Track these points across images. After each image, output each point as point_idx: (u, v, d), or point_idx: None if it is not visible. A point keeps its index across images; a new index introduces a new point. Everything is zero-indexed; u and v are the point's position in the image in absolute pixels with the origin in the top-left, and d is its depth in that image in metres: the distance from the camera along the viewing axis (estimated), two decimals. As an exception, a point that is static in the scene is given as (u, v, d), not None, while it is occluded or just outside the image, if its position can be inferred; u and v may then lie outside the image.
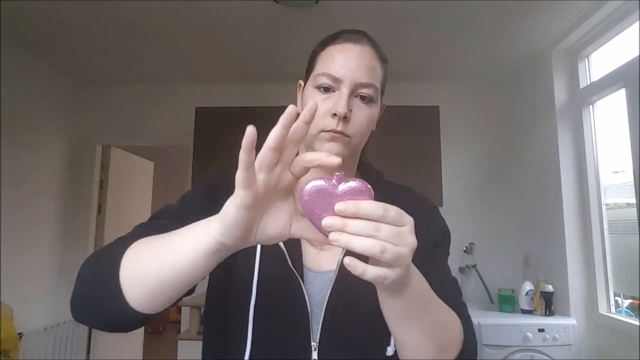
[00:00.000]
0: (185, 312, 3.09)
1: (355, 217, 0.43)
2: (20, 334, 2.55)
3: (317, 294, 0.67)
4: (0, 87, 2.53)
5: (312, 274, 0.69)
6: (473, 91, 3.31)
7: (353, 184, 0.45)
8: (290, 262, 0.67)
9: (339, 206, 0.44)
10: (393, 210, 0.44)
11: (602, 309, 2.30)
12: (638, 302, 2.13)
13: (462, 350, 0.61)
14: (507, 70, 3.08)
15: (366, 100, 0.68)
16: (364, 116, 0.68)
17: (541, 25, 2.41)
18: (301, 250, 0.69)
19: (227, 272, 0.69)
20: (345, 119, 0.66)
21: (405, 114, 2.93)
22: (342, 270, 0.66)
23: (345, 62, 0.67)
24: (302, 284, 0.66)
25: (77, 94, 3.34)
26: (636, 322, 2.02)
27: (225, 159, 3.05)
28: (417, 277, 0.53)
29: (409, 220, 0.46)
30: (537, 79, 2.80)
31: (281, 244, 0.68)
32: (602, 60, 2.43)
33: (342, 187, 0.45)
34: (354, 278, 0.61)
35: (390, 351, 0.64)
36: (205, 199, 0.69)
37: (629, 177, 2.11)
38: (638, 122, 1.96)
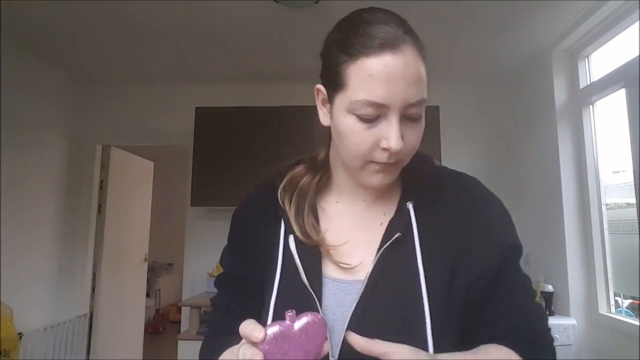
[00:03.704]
0: (185, 312, 3.09)
1: None
2: (20, 334, 2.55)
3: (339, 307, 0.61)
4: (0, 87, 2.53)
5: (337, 284, 0.63)
6: (473, 91, 3.31)
7: (305, 319, 0.47)
8: (304, 276, 0.61)
9: None
10: None
11: (602, 309, 2.30)
12: (638, 302, 2.12)
13: None
14: (507, 70, 3.08)
15: (415, 117, 0.58)
16: (415, 136, 0.59)
17: (541, 25, 2.41)
18: (320, 260, 0.64)
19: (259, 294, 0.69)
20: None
21: (405, 114, 2.93)
22: (371, 282, 0.60)
23: (389, 84, 0.54)
24: (315, 297, 0.61)
25: (77, 94, 3.34)
26: (636, 322, 2.02)
27: (225, 159, 3.06)
28: None
29: None
30: (537, 79, 2.79)
31: (296, 257, 0.63)
32: (602, 60, 2.43)
33: (297, 324, 0.46)
34: (385, 291, 0.58)
35: None
36: (239, 248, 0.72)
37: (629, 177, 2.11)
38: (638, 122, 1.96)
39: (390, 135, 0.55)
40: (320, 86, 0.63)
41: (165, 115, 3.38)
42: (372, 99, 0.54)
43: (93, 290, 3.39)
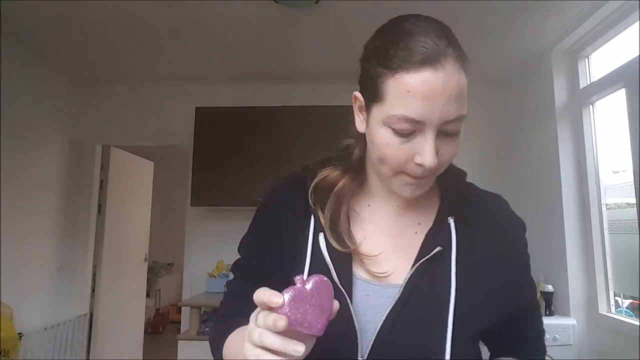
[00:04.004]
0: (185, 312, 3.09)
1: None
2: (20, 334, 2.55)
3: (371, 309, 0.61)
4: (0, 86, 2.53)
5: (369, 286, 0.62)
6: (473, 91, 3.24)
7: (313, 279, 0.50)
8: (335, 275, 0.61)
9: None
10: None
11: (602, 309, 2.30)
12: (638, 302, 2.12)
13: None
14: (507, 70, 3.08)
15: (452, 133, 0.58)
16: (450, 151, 0.59)
17: (541, 25, 2.41)
18: (351, 260, 0.63)
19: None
20: None
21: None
22: (408, 289, 0.60)
23: (427, 101, 0.53)
24: (346, 296, 0.60)
25: (77, 94, 3.34)
26: (636, 322, 2.02)
27: (225, 159, 3.06)
28: None
29: None
30: (537, 79, 2.79)
31: (327, 256, 0.62)
32: (602, 60, 2.43)
33: (309, 285, 0.50)
34: (418, 302, 0.59)
35: None
36: (262, 241, 0.70)
37: (629, 177, 2.11)
38: (638, 122, 1.96)
39: (425, 152, 0.55)
40: (357, 93, 0.62)
41: (165, 115, 3.39)
42: (409, 114, 0.53)
43: (93, 290, 3.39)
